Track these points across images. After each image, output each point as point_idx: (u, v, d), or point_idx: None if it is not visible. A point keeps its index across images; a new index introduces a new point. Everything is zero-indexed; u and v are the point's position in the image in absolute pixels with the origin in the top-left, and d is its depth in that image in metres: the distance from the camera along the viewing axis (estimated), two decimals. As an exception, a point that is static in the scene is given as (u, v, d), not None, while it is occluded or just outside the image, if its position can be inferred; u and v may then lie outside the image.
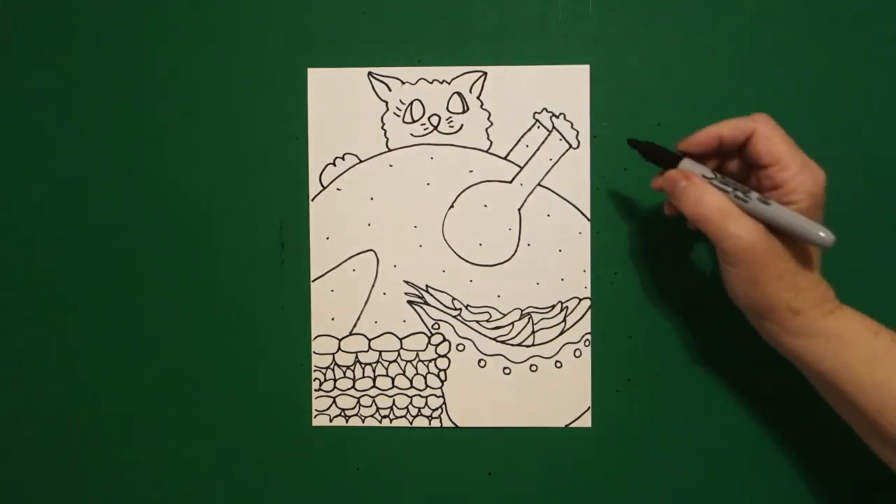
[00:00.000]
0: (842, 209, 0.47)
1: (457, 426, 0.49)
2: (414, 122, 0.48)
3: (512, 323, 0.48)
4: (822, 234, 0.35)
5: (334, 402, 0.49)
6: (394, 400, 0.49)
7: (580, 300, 0.48)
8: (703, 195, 0.38)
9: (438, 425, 0.49)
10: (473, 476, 0.49)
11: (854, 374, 0.37)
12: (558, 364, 0.48)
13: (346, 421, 0.49)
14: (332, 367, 0.49)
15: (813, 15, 0.47)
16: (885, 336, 0.37)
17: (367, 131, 0.48)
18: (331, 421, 0.49)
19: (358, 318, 0.49)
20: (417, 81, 0.48)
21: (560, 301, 0.48)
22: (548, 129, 0.48)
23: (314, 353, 0.49)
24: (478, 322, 0.48)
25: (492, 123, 0.48)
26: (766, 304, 0.38)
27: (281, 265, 0.49)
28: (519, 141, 0.48)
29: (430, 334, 0.49)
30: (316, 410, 0.49)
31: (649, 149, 0.41)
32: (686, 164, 0.40)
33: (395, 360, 0.49)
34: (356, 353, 0.49)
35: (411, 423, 0.49)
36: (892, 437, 0.37)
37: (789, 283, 0.37)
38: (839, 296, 0.39)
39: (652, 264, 0.48)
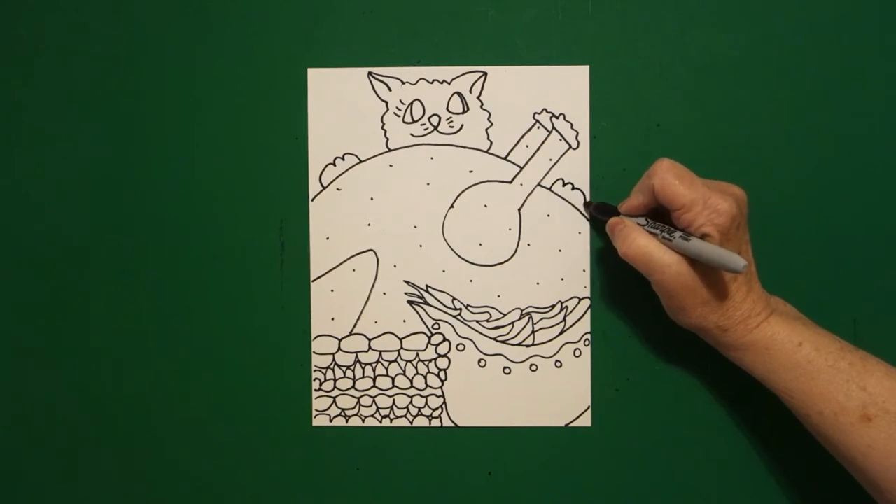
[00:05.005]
0: (841, 209, 0.48)
1: (457, 426, 0.49)
2: (414, 122, 0.48)
3: (512, 323, 0.48)
4: (732, 263, 0.38)
5: (334, 402, 0.49)
6: (394, 400, 0.49)
7: (580, 300, 0.48)
8: (631, 237, 0.42)
9: (438, 425, 0.49)
10: (473, 476, 0.49)
11: (781, 382, 0.41)
12: (558, 364, 0.48)
13: (346, 421, 0.49)
14: (332, 367, 0.49)
15: (812, 15, 0.47)
16: (808, 346, 0.40)
17: (367, 131, 0.48)
18: (331, 421, 0.49)
19: (358, 318, 0.49)
20: (417, 81, 0.48)
21: (560, 301, 0.48)
22: (548, 130, 0.48)
23: (314, 353, 0.49)
24: (478, 322, 0.48)
25: (492, 123, 0.48)
26: (697, 325, 0.42)
27: (281, 265, 0.49)
28: (519, 141, 0.48)
29: (430, 334, 0.49)
30: (316, 410, 0.49)
31: (599, 206, 0.47)
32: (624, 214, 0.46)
33: (395, 360, 0.49)
34: (356, 353, 0.49)
35: (411, 422, 0.49)
36: (821, 437, 0.41)
37: (715, 307, 0.41)
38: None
39: (652, 264, 0.48)
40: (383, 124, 0.48)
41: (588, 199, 0.48)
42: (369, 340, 0.49)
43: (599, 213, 0.47)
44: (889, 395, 0.38)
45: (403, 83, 0.48)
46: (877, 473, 0.38)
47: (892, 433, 0.38)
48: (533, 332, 0.48)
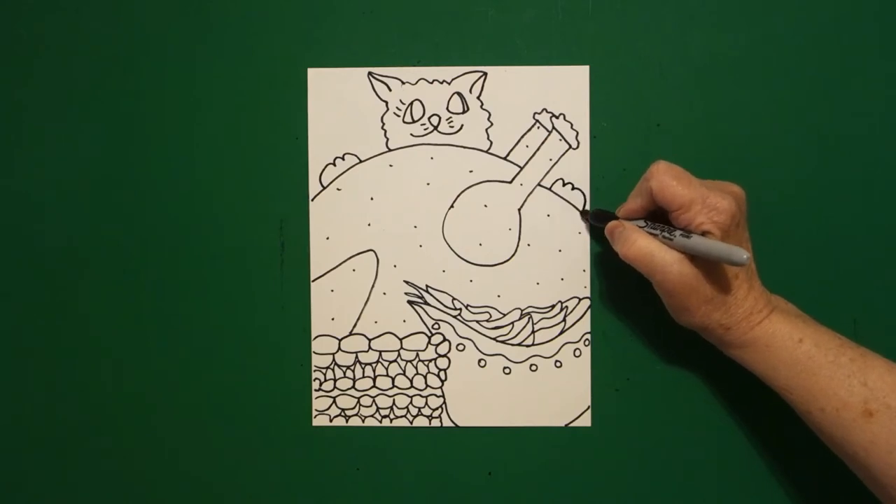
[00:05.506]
0: (841, 209, 0.48)
1: (457, 426, 0.49)
2: (414, 122, 0.48)
3: (512, 323, 0.48)
4: (736, 255, 0.38)
5: (334, 402, 0.49)
6: (394, 400, 0.49)
7: (580, 300, 0.48)
8: (631, 239, 0.42)
9: (438, 425, 0.49)
10: (473, 476, 0.49)
11: (782, 379, 0.41)
12: (558, 364, 0.48)
13: (346, 421, 0.49)
14: (332, 367, 0.49)
15: (812, 15, 0.47)
16: (808, 342, 0.40)
17: (367, 131, 0.48)
18: (331, 421, 0.49)
19: (358, 318, 0.49)
20: (417, 81, 0.48)
21: (560, 301, 0.48)
22: (547, 130, 0.48)
23: (314, 353, 0.49)
24: (478, 322, 0.48)
25: (492, 123, 0.48)
26: (699, 324, 0.42)
27: (281, 265, 0.49)
28: (519, 141, 0.48)
29: (430, 334, 0.49)
30: (316, 410, 0.49)
31: (597, 213, 0.47)
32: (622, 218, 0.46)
33: (395, 360, 0.49)
34: (356, 353, 0.49)
35: (411, 422, 0.49)
36: (820, 433, 0.41)
37: (717, 304, 0.41)
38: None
39: (652, 264, 0.48)
40: (383, 124, 0.48)
41: (587, 200, 0.48)
42: (369, 340, 0.49)
43: (597, 220, 0.47)
44: (890, 390, 0.38)
45: (403, 83, 0.48)
46: (879, 469, 0.38)
47: (893, 428, 0.38)
48: (533, 332, 0.48)
